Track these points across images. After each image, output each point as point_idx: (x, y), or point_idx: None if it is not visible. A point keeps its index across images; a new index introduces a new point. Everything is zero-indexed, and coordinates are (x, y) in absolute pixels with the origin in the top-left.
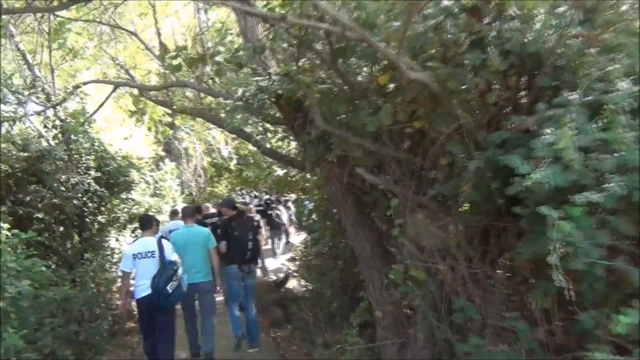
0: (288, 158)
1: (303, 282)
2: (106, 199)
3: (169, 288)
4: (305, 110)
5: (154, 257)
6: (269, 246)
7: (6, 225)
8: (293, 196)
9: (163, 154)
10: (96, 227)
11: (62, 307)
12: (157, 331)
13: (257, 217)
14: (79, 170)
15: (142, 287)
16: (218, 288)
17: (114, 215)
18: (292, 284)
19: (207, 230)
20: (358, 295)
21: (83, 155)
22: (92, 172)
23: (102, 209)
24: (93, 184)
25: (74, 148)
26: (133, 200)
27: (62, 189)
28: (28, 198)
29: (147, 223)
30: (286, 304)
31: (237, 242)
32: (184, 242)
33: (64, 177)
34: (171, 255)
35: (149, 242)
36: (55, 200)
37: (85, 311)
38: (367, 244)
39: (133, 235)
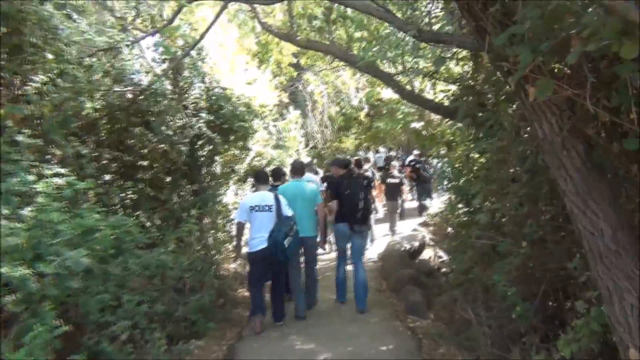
0: (435, 104)
1: (443, 256)
2: (220, 147)
3: (286, 242)
4: None
5: (271, 211)
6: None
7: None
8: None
9: (287, 101)
10: (209, 179)
11: (157, 275)
12: (273, 279)
13: (371, 174)
14: (187, 111)
15: (258, 240)
16: (321, 246)
17: (231, 166)
18: (427, 253)
19: (315, 186)
20: (564, 305)
21: (192, 93)
22: (204, 115)
23: (217, 158)
24: (204, 128)
25: (183, 84)
26: (252, 149)
27: (170, 132)
28: (131, 142)
29: (264, 177)
30: (426, 284)
31: (348, 201)
32: (292, 196)
33: (170, 118)
34: (288, 210)
35: (266, 196)
36: (162, 145)
37: (187, 279)
38: (607, 227)
39: (253, 190)
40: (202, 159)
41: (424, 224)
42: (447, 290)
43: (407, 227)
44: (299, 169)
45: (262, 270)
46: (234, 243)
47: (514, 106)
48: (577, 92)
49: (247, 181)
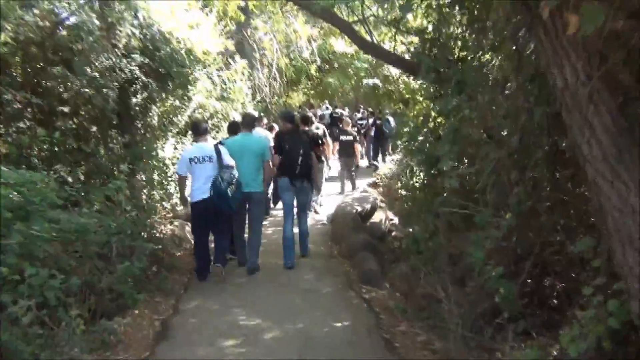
0: (396, 57)
1: (394, 219)
2: (157, 95)
3: (229, 191)
4: None
5: (211, 161)
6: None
7: None
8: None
9: (233, 49)
10: (143, 131)
11: (77, 241)
12: (215, 232)
13: (321, 132)
14: (117, 51)
15: (200, 191)
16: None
17: (169, 118)
18: (378, 216)
19: (264, 140)
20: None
21: (123, 30)
22: (137, 57)
23: (153, 108)
24: (137, 72)
25: (112, 19)
26: (191, 98)
27: (95, 74)
28: (48, 84)
29: (201, 128)
30: (379, 250)
31: (288, 156)
32: (240, 150)
33: (95, 58)
34: (229, 160)
35: (206, 147)
36: (87, 90)
37: (114, 244)
38: (637, 198)
39: (194, 143)
40: (135, 107)
41: (374, 185)
42: (402, 257)
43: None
44: (249, 122)
45: (205, 221)
46: (179, 196)
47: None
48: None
49: (188, 134)
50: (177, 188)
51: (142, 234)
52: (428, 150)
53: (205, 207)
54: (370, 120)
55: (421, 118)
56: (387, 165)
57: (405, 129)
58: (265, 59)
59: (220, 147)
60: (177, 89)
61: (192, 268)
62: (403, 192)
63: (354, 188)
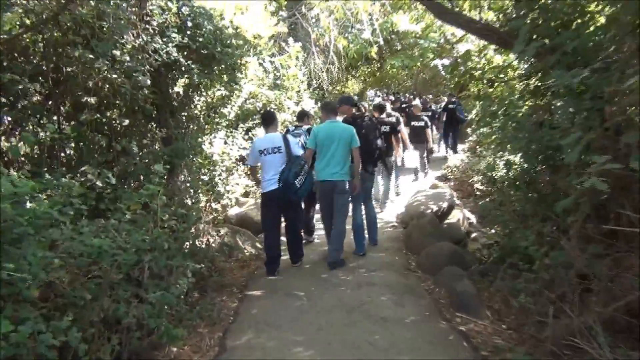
0: (483, 26)
1: (470, 218)
2: (201, 80)
3: (297, 182)
4: None
5: (280, 152)
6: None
7: None
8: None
9: (286, 31)
10: (185, 124)
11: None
12: (287, 221)
13: (394, 120)
14: (150, 28)
15: (269, 182)
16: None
17: (215, 109)
18: (454, 215)
19: (351, 127)
20: None
21: (155, 2)
22: (174, 35)
23: (196, 96)
24: (175, 54)
25: None
26: (240, 86)
27: (125, 57)
28: (69, 69)
29: (270, 119)
30: (466, 261)
31: (363, 141)
32: (327, 138)
33: (123, 38)
34: (297, 150)
35: (275, 138)
36: (115, 76)
37: (146, 265)
38: None
39: (246, 137)
40: (175, 96)
41: (444, 178)
42: (492, 270)
43: (426, 180)
44: (332, 108)
45: (274, 212)
46: (254, 182)
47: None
48: None
49: (238, 127)
50: (226, 187)
51: (184, 246)
52: (542, 138)
53: (275, 198)
54: (439, 106)
55: (507, 102)
56: (458, 156)
57: (489, 115)
58: (322, 40)
59: (288, 137)
60: (223, 74)
61: (244, 284)
62: (481, 187)
63: (425, 174)
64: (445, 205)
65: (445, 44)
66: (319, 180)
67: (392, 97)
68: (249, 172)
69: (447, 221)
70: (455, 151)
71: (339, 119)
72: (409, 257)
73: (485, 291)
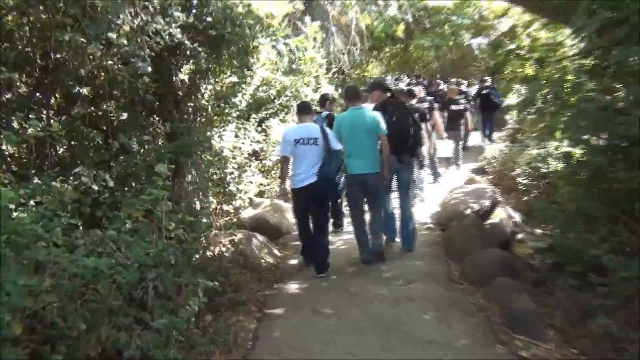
0: None
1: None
2: (210, 64)
3: (338, 178)
4: None
5: (317, 144)
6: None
7: None
8: None
9: (301, 9)
10: (192, 115)
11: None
12: (315, 224)
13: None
14: (149, 6)
15: (304, 175)
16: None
17: (225, 98)
18: (497, 214)
19: (376, 113)
20: None
21: None
22: (179, 15)
23: (203, 83)
24: (179, 36)
25: None
26: (253, 72)
27: (122, 41)
28: (58, 56)
29: (306, 108)
30: (519, 270)
31: (395, 129)
32: (351, 127)
33: (119, 19)
34: (336, 143)
35: (312, 128)
36: (111, 63)
37: (149, 284)
38: None
39: (259, 129)
40: (179, 84)
41: (480, 171)
42: (552, 282)
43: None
44: (356, 94)
45: (307, 204)
46: (280, 182)
47: None
48: None
49: (250, 118)
50: (238, 187)
51: (193, 258)
52: (614, 126)
53: (311, 192)
54: (471, 90)
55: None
56: (495, 145)
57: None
58: (343, 19)
59: (327, 129)
60: (233, 58)
61: (262, 300)
62: (525, 182)
63: (458, 167)
64: (487, 203)
65: (481, 20)
66: (348, 173)
67: (424, 82)
68: (279, 164)
69: (489, 221)
70: (491, 140)
71: (369, 106)
72: (451, 265)
73: (544, 306)
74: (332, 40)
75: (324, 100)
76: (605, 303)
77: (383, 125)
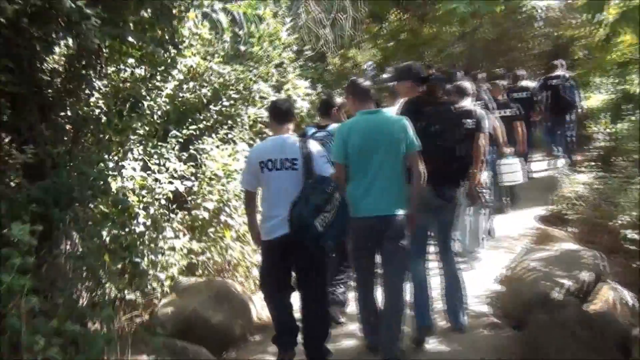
0: None
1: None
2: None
3: (319, 222)
4: None
5: (295, 168)
6: None
7: None
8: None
9: None
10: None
11: None
12: (303, 290)
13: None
14: None
15: (275, 221)
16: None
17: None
18: (604, 296)
19: (404, 120)
20: None
21: None
22: None
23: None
24: None
25: None
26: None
27: None
28: None
29: (283, 111)
30: None
31: (434, 144)
32: (362, 140)
33: None
34: (324, 167)
35: (287, 143)
36: None
37: None
38: None
39: (185, 155)
40: (49, 77)
41: (554, 218)
42: None
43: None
44: (366, 91)
45: (282, 269)
46: (248, 227)
47: None
48: None
49: (169, 137)
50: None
51: None
52: None
53: (284, 248)
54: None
55: None
56: (578, 176)
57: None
58: None
59: (309, 144)
60: (146, 28)
61: None
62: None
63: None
64: (586, 277)
65: None
66: (354, 216)
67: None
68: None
69: (592, 307)
70: (570, 160)
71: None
72: None
73: None
74: (306, 5)
75: (327, 105)
76: None
77: (413, 136)
